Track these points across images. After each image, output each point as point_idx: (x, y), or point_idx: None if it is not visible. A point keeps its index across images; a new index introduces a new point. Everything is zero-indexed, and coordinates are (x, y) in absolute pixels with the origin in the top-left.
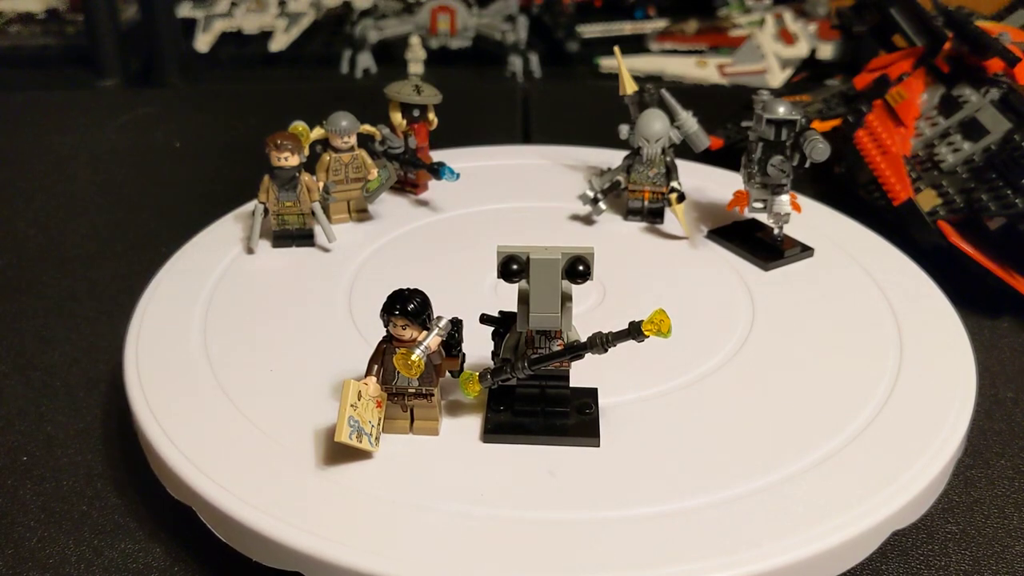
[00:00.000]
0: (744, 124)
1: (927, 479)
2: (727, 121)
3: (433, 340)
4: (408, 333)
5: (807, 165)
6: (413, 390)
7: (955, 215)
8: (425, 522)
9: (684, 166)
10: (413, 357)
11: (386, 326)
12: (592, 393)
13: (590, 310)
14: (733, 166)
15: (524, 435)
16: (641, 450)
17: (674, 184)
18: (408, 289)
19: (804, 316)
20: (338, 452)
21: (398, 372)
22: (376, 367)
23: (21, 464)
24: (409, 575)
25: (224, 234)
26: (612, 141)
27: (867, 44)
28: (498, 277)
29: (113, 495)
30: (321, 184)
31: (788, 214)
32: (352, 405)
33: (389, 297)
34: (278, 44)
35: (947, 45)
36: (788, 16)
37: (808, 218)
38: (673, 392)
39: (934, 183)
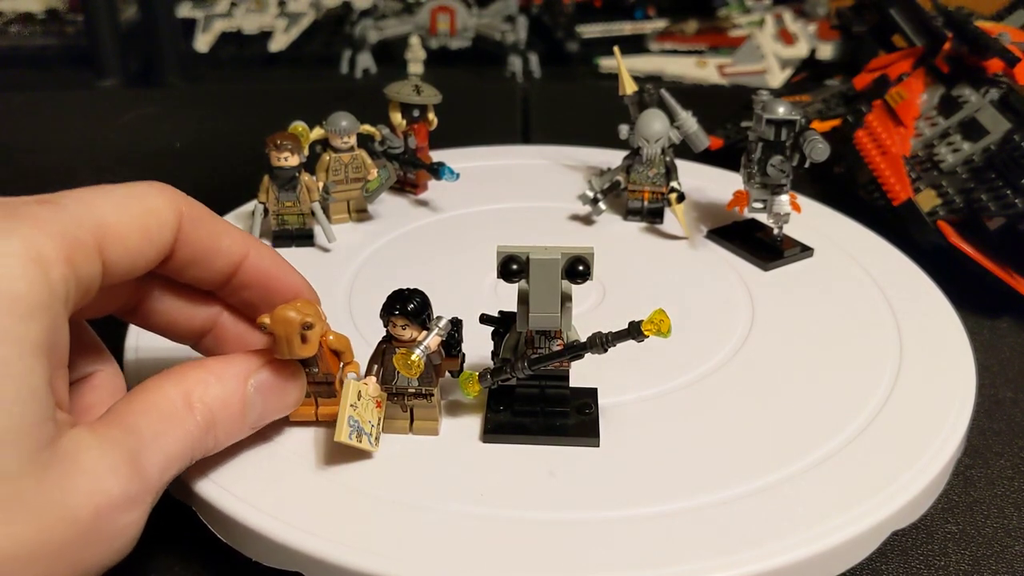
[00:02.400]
0: (744, 124)
1: (927, 479)
2: (727, 121)
3: (433, 340)
4: (408, 333)
5: (807, 165)
6: (413, 390)
7: (955, 215)
8: (425, 522)
9: (684, 166)
10: (413, 357)
11: (386, 326)
12: (592, 393)
13: (590, 310)
14: (733, 166)
15: (524, 435)
16: (641, 450)
17: (674, 184)
18: (408, 289)
19: (804, 316)
20: (338, 452)
21: (398, 372)
22: (376, 367)
23: None
24: (409, 575)
25: None
26: (612, 141)
27: (867, 44)
28: (498, 277)
29: None
30: (321, 184)
31: (788, 214)
32: (352, 405)
33: (389, 297)
34: (278, 44)
35: (947, 45)
36: (788, 16)
37: (808, 218)
38: (673, 392)
39: (934, 183)
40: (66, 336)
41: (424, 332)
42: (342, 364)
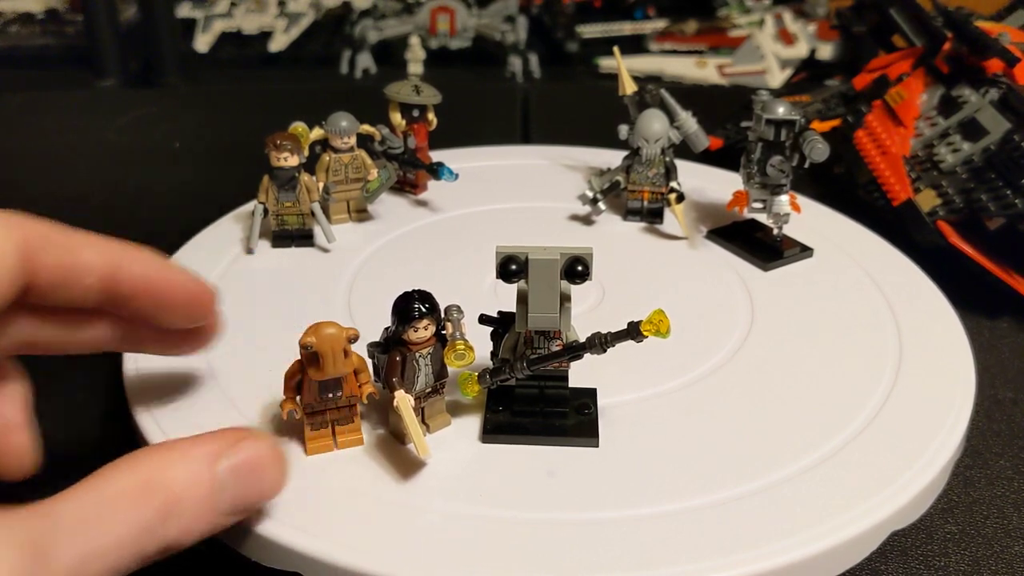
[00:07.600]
0: (744, 124)
1: (926, 479)
2: (727, 121)
3: (462, 326)
4: (429, 331)
5: (806, 165)
6: (430, 389)
7: (955, 215)
8: (425, 522)
9: (684, 166)
10: (460, 346)
11: (401, 335)
12: (591, 393)
13: (589, 310)
14: (733, 166)
15: (523, 435)
16: (640, 450)
17: (673, 184)
18: (415, 291)
19: (803, 316)
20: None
21: (418, 377)
22: (397, 379)
23: None
24: (409, 575)
25: (224, 234)
26: (612, 141)
27: (867, 44)
28: (497, 277)
29: None
30: (321, 185)
31: (787, 214)
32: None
33: (402, 306)
34: (278, 44)
35: (946, 45)
36: (788, 16)
37: (808, 218)
38: (672, 392)
39: (934, 183)
40: None
41: (444, 324)
42: (360, 385)
